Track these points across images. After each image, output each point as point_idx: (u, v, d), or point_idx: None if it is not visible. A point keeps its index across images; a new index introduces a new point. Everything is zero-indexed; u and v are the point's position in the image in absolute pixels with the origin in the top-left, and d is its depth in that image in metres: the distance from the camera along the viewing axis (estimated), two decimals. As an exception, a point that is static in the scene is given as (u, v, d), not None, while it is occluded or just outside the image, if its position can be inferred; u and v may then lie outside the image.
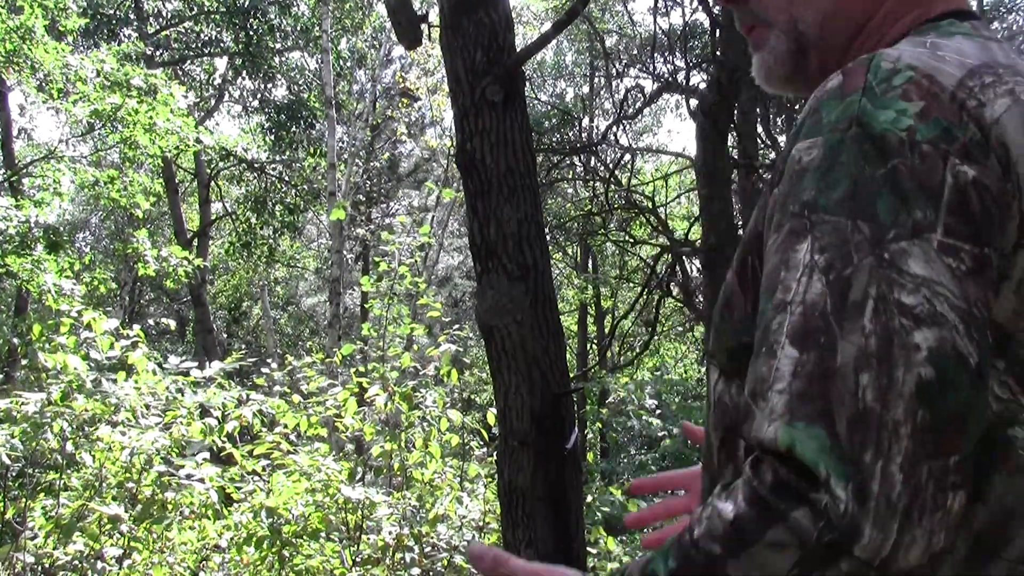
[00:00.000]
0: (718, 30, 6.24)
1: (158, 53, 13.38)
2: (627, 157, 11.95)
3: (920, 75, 0.70)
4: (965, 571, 0.69)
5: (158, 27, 13.80)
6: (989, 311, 0.67)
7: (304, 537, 4.06)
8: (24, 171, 10.05)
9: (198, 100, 14.78)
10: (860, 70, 0.73)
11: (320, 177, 14.95)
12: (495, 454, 3.66)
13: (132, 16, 13.10)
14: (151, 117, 7.84)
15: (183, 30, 14.34)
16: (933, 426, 0.62)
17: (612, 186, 9.96)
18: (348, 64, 15.87)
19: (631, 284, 14.00)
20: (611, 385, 10.83)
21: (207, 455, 4.23)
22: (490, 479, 5.09)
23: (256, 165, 15.10)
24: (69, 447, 3.96)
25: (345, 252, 14.72)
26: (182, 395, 4.26)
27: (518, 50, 3.49)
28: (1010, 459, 0.70)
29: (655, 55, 10.95)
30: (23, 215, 7.09)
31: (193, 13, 13.86)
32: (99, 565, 3.74)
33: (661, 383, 15.98)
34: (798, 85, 0.92)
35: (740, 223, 6.65)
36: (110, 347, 4.33)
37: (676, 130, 41.66)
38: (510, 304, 3.20)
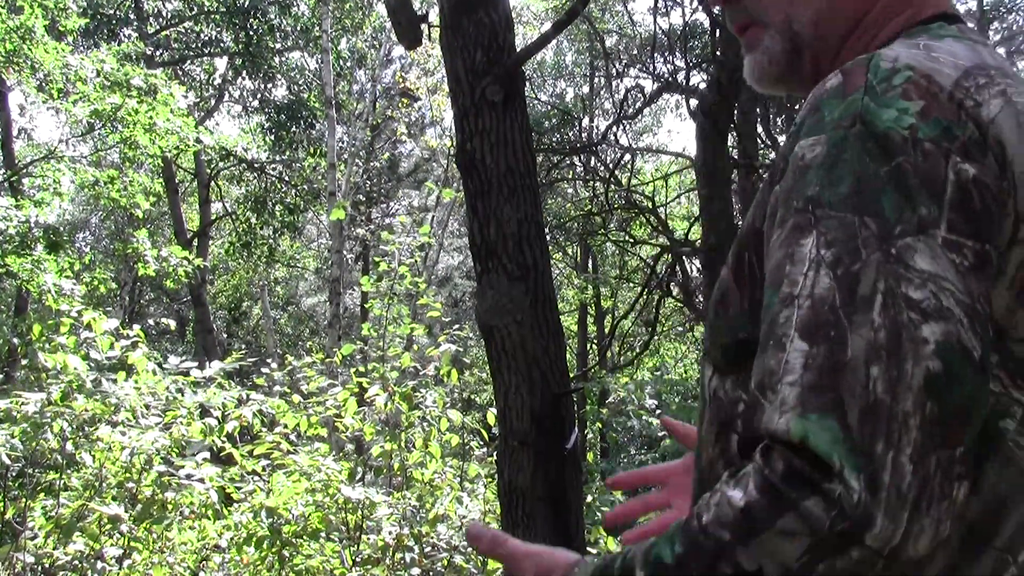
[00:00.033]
0: (718, 30, 6.25)
1: (158, 53, 13.38)
2: (627, 157, 11.96)
3: (919, 75, 0.72)
4: (959, 560, 0.70)
5: (158, 27, 13.80)
6: (990, 306, 0.69)
7: (304, 537, 4.06)
8: (24, 171, 10.05)
9: (198, 100, 14.78)
10: (860, 70, 0.74)
11: (320, 177, 14.95)
12: (495, 454, 3.66)
13: (132, 16, 13.10)
14: (151, 117, 7.84)
15: (183, 30, 14.35)
16: (941, 418, 0.63)
17: (612, 186, 9.95)
18: (348, 64, 15.87)
19: (631, 284, 14.00)
20: (611, 385, 10.83)
21: (207, 455, 4.23)
22: (490, 479, 5.10)
23: (256, 165, 15.10)
24: (69, 447, 3.96)
25: (345, 252, 14.72)
26: (182, 395, 4.26)
27: (518, 50, 3.49)
28: (1001, 450, 0.71)
29: (655, 55, 10.94)
30: (23, 215, 7.09)
31: (193, 13, 13.86)
32: (99, 565, 3.74)
33: (661, 383, 15.97)
34: (791, 84, 0.93)
35: (740, 223, 6.64)
36: (110, 347, 4.33)
37: (676, 130, 41.74)
38: (510, 304, 3.20)
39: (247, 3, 13.26)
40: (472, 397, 13.10)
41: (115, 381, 4.24)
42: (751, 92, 7.12)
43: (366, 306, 10.61)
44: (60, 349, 4.23)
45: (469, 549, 4.38)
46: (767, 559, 0.63)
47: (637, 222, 12.03)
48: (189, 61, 14.92)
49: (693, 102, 8.44)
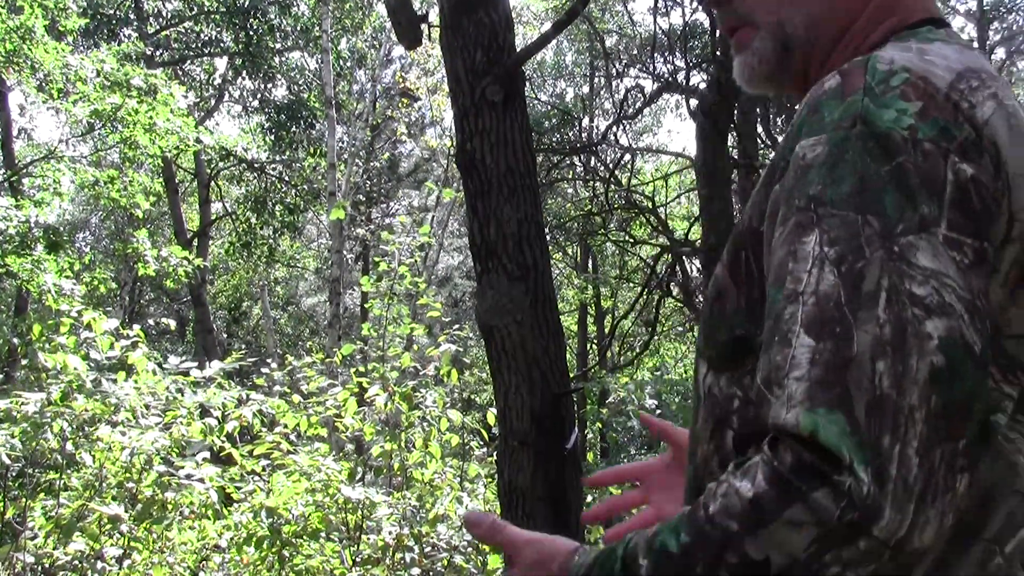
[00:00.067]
0: (718, 30, 6.24)
1: (158, 53, 13.38)
2: (627, 157, 11.96)
3: (915, 77, 0.73)
4: (948, 551, 0.71)
5: (158, 27, 13.80)
6: (989, 302, 0.70)
7: (304, 537, 4.06)
8: (24, 171, 10.05)
9: (198, 100, 14.77)
10: (858, 71, 0.75)
11: (320, 177, 14.94)
12: (495, 454, 3.66)
13: (132, 16, 13.09)
14: (151, 117, 7.84)
15: (183, 30, 14.34)
16: (944, 412, 0.65)
17: (612, 186, 9.96)
18: (348, 64, 15.87)
19: (631, 284, 14.00)
20: (611, 385, 10.84)
21: (207, 455, 4.22)
22: (490, 479, 5.09)
23: (256, 165, 15.10)
24: (69, 447, 3.96)
25: (345, 252, 14.72)
26: (182, 395, 4.26)
27: (518, 50, 3.49)
28: (992, 444, 0.73)
29: (655, 55, 10.94)
30: (23, 215, 7.09)
31: (193, 13, 13.86)
32: (99, 565, 3.74)
33: (661, 383, 15.98)
34: (780, 85, 0.94)
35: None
36: (110, 347, 4.33)
37: (676, 130, 41.77)
38: (510, 304, 3.20)
39: (247, 3, 13.26)
40: (472, 397, 13.10)
41: (115, 381, 4.23)
42: (751, 92, 7.12)
43: (366, 306, 10.62)
44: (60, 349, 4.23)
45: (469, 549, 4.38)
46: (774, 550, 0.64)
47: (637, 222, 12.03)
48: (189, 61, 14.92)
49: (693, 102, 8.45)
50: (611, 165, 11.00)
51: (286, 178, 15.42)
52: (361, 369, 4.92)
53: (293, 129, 13.94)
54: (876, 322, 0.66)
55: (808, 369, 0.66)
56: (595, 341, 17.62)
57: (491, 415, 4.34)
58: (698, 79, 10.20)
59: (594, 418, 10.73)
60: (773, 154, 0.84)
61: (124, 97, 7.69)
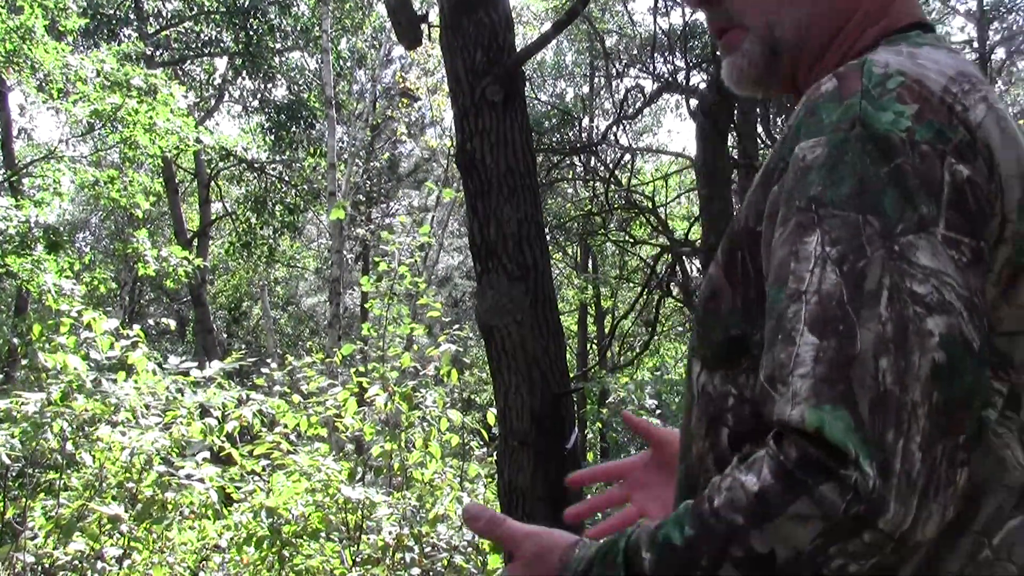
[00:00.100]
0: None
1: (158, 53, 13.38)
2: (627, 157, 11.96)
3: (910, 80, 0.75)
4: (940, 544, 0.73)
5: (158, 27, 13.80)
6: (986, 300, 0.72)
7: (304, 537, 4.06)
8: (24, 171, 10.05)
9: (198, 100, 14.77)
10: (855, 74, 0.76)
11: (320, 177, 14.94)
12: (495, 454, 3.66)
13: (132, 16, 13.09)
14: (151, 117, 7.83)
15: (183, 30, 14.34)
16: (946, 407, 0.66)
17: (612, 186, 9.96)
18: (348, 64, 15.87)
19: (631, 284, 14.00)
20: (611, 385, 10.83)
21: (207, 455, 4.22)
22: (490, 479, 5.09)
23: (256, 165, 15.10)
24: (69, 447, 3.96)
25: (345, 252, 14.72)
26: (182, 395, 4.26)
27: (518, 50, 3.49)
28: (983, 439, 0.74)
29: (655, 55, 10.94)
30: (23, 215, 7.09)
31: (193, 13, 13.86)
32: (99, 565, 3.74)
33: (661, 383, 15.98)
34: (769, 87, 0.94)
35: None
36: (110, 347, 4.33)
37: (676, 130, 41.78)
38: (510, 304, 3.20)
39: (247, 3, 13.26)
40: (472, 397, 13.10)
41: (115, 381, 4.23)
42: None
43: (366, 306, 10.61)
44: (60, 349, 4.23)
45: (469, 549, 4.38)
46: (780, 543, 0.65)
47: (637, 222, 12.03)
48: (189, 61, 14.91)
49: (693, 102, 8.45)
50: (611, 165, 11.01)
51: (286, 178, 15.42)
52: (361, 369, 4.92)
53: (293, 129, 13.94)
54: (878, 320, 0.67)
55: (813, 366, 0.67)
56: (595, 341, 17.62)
57: (491, 415, 4.34)
58: (698, 79, 10.21)
59: (594, 418, 10.73)
60: (768, 155, 0.84)
61: (124, 97, 7.69)
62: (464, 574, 4.28)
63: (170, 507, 3.93)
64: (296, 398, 4.84)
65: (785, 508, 0.65)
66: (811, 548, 0.65)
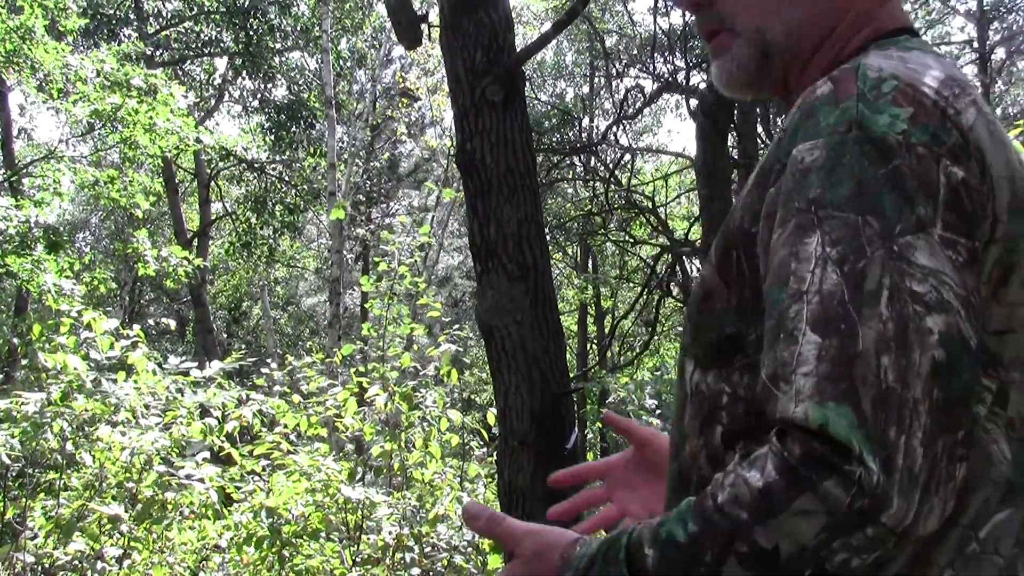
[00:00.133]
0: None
1: (158, 53, 13.38)
2: (627, 157, 11.96)
3: (904, 83, 0.76)
4: (929, 537, 0.73)
5: (158, 27, 13.80)
6: (981, 299, 0.74)
7: (304, 537, 4.06)
8: (24, 171, 10.05)
9: (198, 100, 14.77)
10: (850, 78, 0.78)
11: (320, 177, 14.94)
12: (495, 454, 3.66)
13: (132, 16, 13.10)
14: (151, 117, 7.84)
15: (183, 30, 14.34)
16: (945, 404, 0.68)
17: (612, 186, 9.96)
18: (348, 64, 15.87)
19: (631, 284, 14.00)
20: (611, 385, 10.83)
21: (207, 455, 4.23)
22: (490, 479, 5.09)
23: (256, 165, 15.10)
24: (69, 447, 3.96)
25: (345, 252, 14.72)
26: (182, 395, 4.26)
27: (518, 50, 3.49)
28: (973, 435, 0.75)
29: (655, 55, 10.94)
30: (23, 215, 7.09)
31: (193, 13, 13.86)
32: (99, 565, 3.74)
33: (661, 383, 15.98)
34: (759, 90, 0.96)
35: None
36: (110, 347, 4.33)
37: (676, 130, 41.85)
38: (510, 304, 3.21)
39: (247, 3, 13.26)
40: (472, 397, 13.10)
41: (115, 381, 4.24)
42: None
43: (366, 306, 10.61)
44: (60, 349, 4.23)
45: (469, 549, 4.38)
46: (784, 538, 0.66)
47: (637, 222, 12.03)
48: (189, 61, 14.92)
49: (693, 102, 8.45)
50: (611, 165, 11.00)
51: (286, 178, 15.43)
52: (361, 369, 4.92)
53: (293, 129, 13.94)
54: (879, 319, 0.68)
55: (815, 365, 0.69)
56: (595, 341, 17.61)
57: (491, 415, 4.34)
58: (698, 79, 10.20)
59: (594, 418, 10.73)
60: (763, 157, 0.85)
61: (124, 97, 7.69)
62: (464, 574, 4.28)
63: (170, 507, 3.93)
64: (296, 398, 4.84)
65: (789, 504, 0.66)
66: (815, 543, 0.66)
